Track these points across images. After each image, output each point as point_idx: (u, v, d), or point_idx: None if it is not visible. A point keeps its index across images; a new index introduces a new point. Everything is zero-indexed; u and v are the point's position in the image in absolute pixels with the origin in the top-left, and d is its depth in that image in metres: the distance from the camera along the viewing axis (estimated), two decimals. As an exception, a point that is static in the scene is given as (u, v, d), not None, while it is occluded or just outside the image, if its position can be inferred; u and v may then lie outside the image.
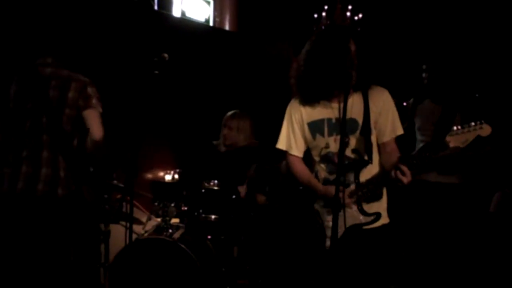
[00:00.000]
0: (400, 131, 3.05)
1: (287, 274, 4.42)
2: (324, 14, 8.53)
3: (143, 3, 6.30)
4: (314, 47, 3.03)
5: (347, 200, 2.90)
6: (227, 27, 8.09)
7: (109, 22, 5.46)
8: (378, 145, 3.06)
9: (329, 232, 2.92)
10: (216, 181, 4.58)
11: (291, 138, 3.14)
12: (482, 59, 7.58)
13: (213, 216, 4.51)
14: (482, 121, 2.69)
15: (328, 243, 2.93)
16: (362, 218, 2.95)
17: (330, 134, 3.02)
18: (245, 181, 4.75)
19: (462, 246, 4.70)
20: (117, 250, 4.23)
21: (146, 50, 5.30)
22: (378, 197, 3.03)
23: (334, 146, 3.01)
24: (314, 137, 3.07)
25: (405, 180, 2.75)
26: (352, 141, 2.99)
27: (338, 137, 2.95)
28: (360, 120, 2.97)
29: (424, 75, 4.65)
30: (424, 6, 8.06)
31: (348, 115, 2.89)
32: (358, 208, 2.95)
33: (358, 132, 2.98)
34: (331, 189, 2.87)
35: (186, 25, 6.93)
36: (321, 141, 3.05)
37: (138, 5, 6.20)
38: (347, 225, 2.88)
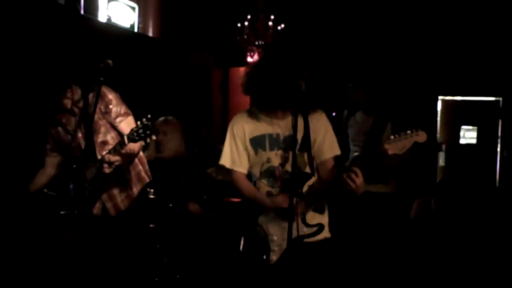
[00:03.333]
0: (338, 151, 3.15)
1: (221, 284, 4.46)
2: (246, 23, 8.65)
3: (69, 7, 6.16)
4: (265, 61, 3.05)
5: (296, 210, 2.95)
6: (150, 33, 8.04)
7: (35, 26, 5.30)
8: (316, 164, 3.12)
9: (273, 246, 3.01)
10: (152, 190, 4.54)
11: (234, 155, 3.14)
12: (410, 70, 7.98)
13: (150, 225, 4.47)
14: (418, 129, 2.80)
15: (273, 257, 3.00)
16: (305, 230, 2.99)
17: (271, 149, 3.07)
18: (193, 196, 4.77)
19: (382, 252, 4.89)
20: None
21: (72, 54, 5.20)
22: (320, 209, 3.10)
23: (275, 161, 3.07)
24: (256, 152, 3.11)
25: (358, 181, 2.77)
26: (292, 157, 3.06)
27: (279, 151, 3.04)
28: (299, 137, 2.99)
29: (350, 91, 4.79)
30: (349, 18, 8.36)
31: (288, 132, 3.00)
32: (302, 220, 2.98)
33: (297, 148, 3.03)
34: (278, 199, 2.96)
35: (111, 30, 6.83)
36: (262, 155, 3.09)
37: (65, 8, 6.06)
38: (292, 237, 2.92)
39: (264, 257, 3.02)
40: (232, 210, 4.89)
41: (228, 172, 3.20)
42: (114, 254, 3.61)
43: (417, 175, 7.12)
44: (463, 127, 9.06)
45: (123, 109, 3.49)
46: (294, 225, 2.85)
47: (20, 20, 5.11)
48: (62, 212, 3.64)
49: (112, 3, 7.11)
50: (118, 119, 3.45)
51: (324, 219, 3.14)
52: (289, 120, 3.00)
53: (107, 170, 3.26)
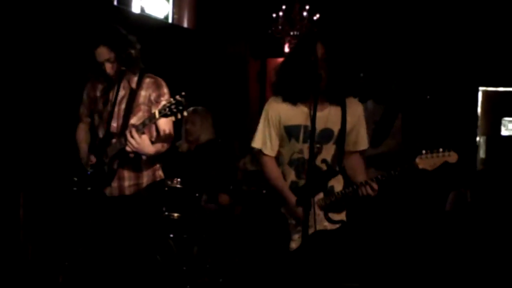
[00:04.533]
0: (366, 145, 3.19)
1: (249, 273, 4.46)
2: (281, 13, 8.60)
3: (102, -2, 6.23)
4: (290, 53, 3.21)
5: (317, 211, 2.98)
6: (185, 25, 8.07)
7: (68, 17, 5.37)
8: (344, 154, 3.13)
9: (293, 235, 3.04)
10: (179, 179, 4.57)
11: (266, 138, 3.15)
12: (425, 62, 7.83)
13: (175, 214, 4.50)
14: (451, 149, 2.85)
15: (292, 245, 3.04)
16: (327, 225, 3.04)
17: (304, 141, 3.05)
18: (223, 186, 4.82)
19: (415, 244, 4.83)
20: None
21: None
22: (342, 208, 3.10)
23: (307, 153, 3.02)
24: (289, 140, 3.11)
25: (373, 194, 2.91)
26: (325, 150, 3.06)
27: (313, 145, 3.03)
28: (335, 130, 3.05)
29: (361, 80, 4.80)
30: (377, 9, 8.24)
31: (324, 125, 3.01)
32: (324, 215, 3.01)
33: (332, 142, 3.06)
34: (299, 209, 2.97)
35: (145, 21, 6.87)
36: (295, 146, 3.09)
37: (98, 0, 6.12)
38: (314, 230, 2.95)
39: (284, 244, 3.07)
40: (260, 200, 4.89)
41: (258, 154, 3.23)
42: (139, 243, 3.64)
43: (456, 166, 6.98)
44: (505, 118, 8.85)
45: None
46: (312, 220, 2.88)
47: (55, 11, 5.18)
48: (74, 189, 3.71)
49: (145, -6, 7.18)
50: (148, 119, 3.48)
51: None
52: (326, 112, 3.02)
53: (128, 146, 3.29)
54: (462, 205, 5.69)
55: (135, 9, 6.95)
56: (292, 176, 3.13)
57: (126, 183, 3.60)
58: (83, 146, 3.78)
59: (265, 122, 3.15)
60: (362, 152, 3.20)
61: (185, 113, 3.07)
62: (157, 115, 3.15)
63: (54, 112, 5.10)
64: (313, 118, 2.82)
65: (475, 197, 5.72)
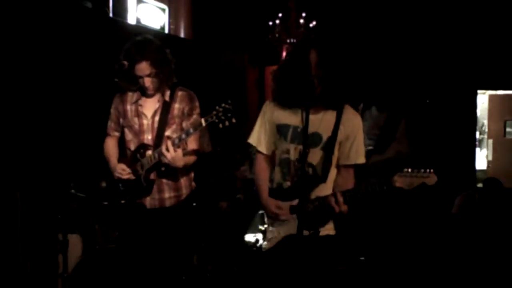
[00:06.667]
0: (362, 159, 3.08)
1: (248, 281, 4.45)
2: (278, 22, 8.62)
3: (98, 10, 6.22)
4: (285, 59, 3.21)
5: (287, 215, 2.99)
6: (182, 35, 8.09)
7: (64, 29, 5.38)
8: (337, 167, 3.10)
9: (268, 235, 3.07)
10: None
11: (261, 135, 3.20)
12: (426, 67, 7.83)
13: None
14: (431, 170, 2.75)
15: (266, 245, 3.06)
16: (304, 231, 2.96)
17: (292, 141, 3.06)
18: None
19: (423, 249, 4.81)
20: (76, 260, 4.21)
21: (101, 57, 5.25)
22: (323, 221, 3.05)
23: (292, 154, 3.06)
24: (279, 139, 3.13)
25: (337, 209, 2.83)
26: (312, 155, 3.02)
27: (299, 146, 3.02)
28: (325, 136, 3.01)
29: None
30: (374, 15, 8.24)
31: (314, 129, 2.98)
32: (299, 221, 2.93)
33: (319, 147, 3.02)
34: (271, 203, 3.04)
35: (141, 32, 6.86)
36: (283, 145, 3.10)
37: (93, 12, 6.12)
38: (285, 234, 2.99)
39: (259, 243, 3.11)
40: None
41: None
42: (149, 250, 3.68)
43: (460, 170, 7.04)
44: (509, 121, 8.87)
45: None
46: (289, 223, 2.96)
47: (49, 24, 5.18)
48: (105, 203, 3.82)
49: (141, 5, 7.17)
50: (193, 128, 3.50)
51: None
52: (319, 116, 3.01)
53: (163, 157, 3.35)
54: (470, 207, 5.65)
55: (131, 20, 6.94)
56: (278, 177, 3.14)
57: (167, 195, 3.66)
58: (113, 160, 3.79)
59: (261, 120, 3.21)
60: (353, 168, 3.10)
61: (233, 120, 3.16)
62: (203, 123, 3.22)
63: (53, 113, 5.09)
64: (305, 125, 2.83)
65: (482, 199, 5.67)
